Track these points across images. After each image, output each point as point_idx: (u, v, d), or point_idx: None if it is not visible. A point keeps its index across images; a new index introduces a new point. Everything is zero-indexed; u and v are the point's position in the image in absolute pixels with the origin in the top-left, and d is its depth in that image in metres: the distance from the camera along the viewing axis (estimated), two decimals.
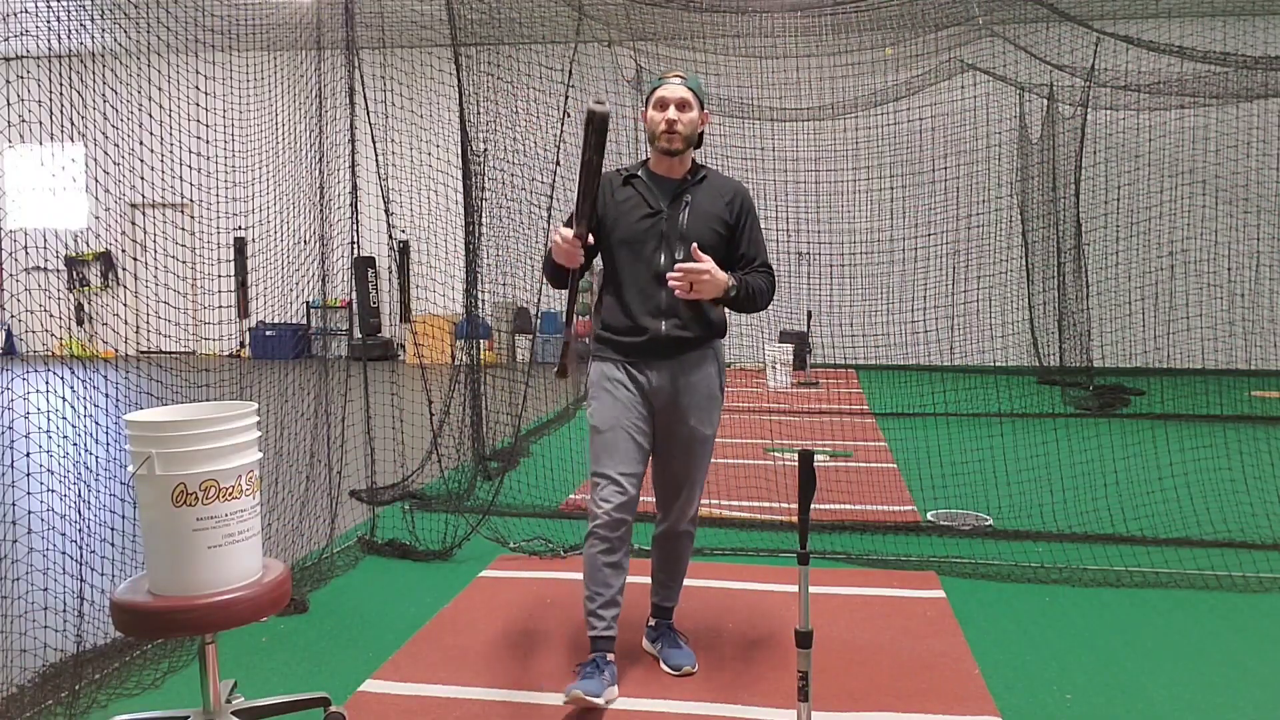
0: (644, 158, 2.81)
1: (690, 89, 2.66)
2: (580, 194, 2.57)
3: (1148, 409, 8.05)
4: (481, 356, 5.44)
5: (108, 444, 6.16)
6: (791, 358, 9.73)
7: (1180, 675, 2.80)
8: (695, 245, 2.58)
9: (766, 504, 4.77)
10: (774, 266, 2.80)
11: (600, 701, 2.52)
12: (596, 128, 2.53)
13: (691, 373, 2.70)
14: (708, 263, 2.53)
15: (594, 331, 2.79)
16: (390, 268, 12.43)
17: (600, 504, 2.60)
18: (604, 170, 2.66)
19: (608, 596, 2.64)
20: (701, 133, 2.74)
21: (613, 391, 2.68)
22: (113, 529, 4.09)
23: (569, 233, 2.56)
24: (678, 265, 2.53)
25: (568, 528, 4.34)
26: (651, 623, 2.97)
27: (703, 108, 2.70)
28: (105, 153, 3.59)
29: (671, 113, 2.63)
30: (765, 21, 9.47)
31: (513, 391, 5.77)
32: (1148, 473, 5.47)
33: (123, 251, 12.92)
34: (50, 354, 12.65)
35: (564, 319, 2.70)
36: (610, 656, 2.67)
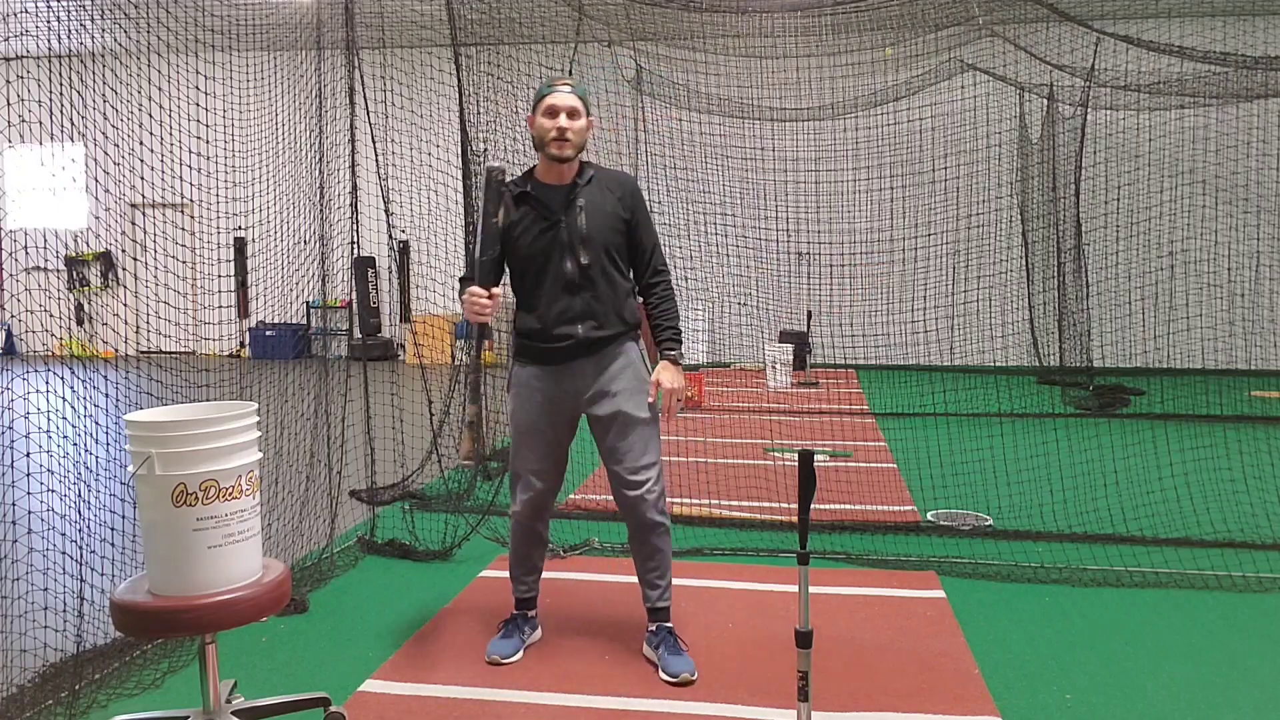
0: (530, 166, 2.88)
1: (579, 96, 2.74)
2: (483, 254, 2.72)
3: (1148, 409, 8.05)
4: (482, 356, 5.43)
5: (108, 444, 6.17)
6: (791, 358, 9.73)
7: (1180, 675, 2.80)
8: (655, 381, 2.79)
9: (766, 504, 4.77)
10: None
11: (515, 659, 2.88)
12: (497, 189, 2.68)
13: (612, 361, 2.82)
14: (664, 383, 2.78)
15: (514, 337, 2.93)
16: (390, 268, 12.43)
17: (517, 500, 2.91)
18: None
19: (528, 565, 3.00)
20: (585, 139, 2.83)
21: (531, 396, 2.85)
22: (113, 529, 4.10)
23: (480, 290, 2.69)
24: (664, 410, 2.80)
25: (567, 527, 4.34)
26: (651, 628, 2.92)
27: (588, 113, 2.79)
28: (105, 153, 3.59)
29: (563, 120, 2.70)
30: (765, 21, 9.48)
31: None
32: (1148, 473, 5.46)
33: (123, 251, 12.92)
34: (50, 354, 12.65)
35: (467, 392, 2.90)
36: (531, 613, 3.04)
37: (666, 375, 2.80)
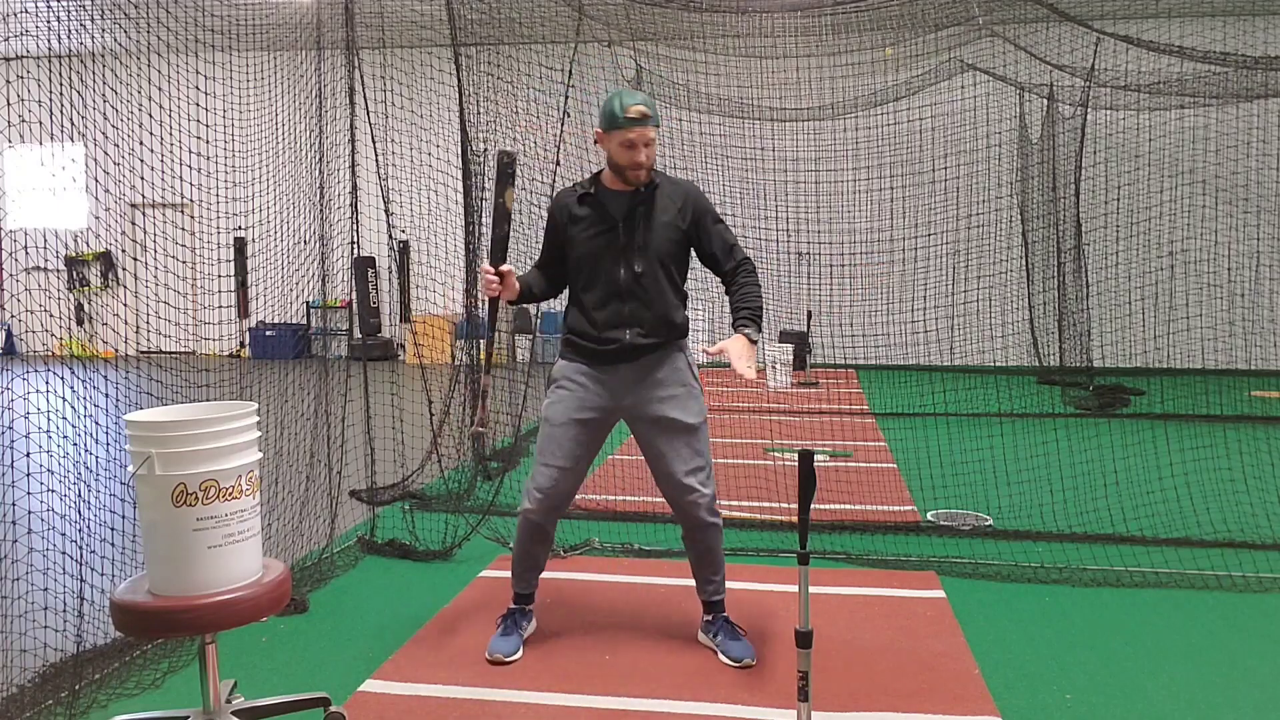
0: (598, 169, 2.90)
1: (654, 124, 2.72)
2: (494, 232, 2.81)
3: (1148, 409, 8.04)
4: (481, 356, 5.43)
5: (108, 444, 6.16)
6: (791, 358, 9.73)
7: (1180, 675, 2.80)
8: (719, 348, 2.67)
9: (766, 504, 4.77)
10: (752, 257, 2.94)
11: (516, 657, 2.88)
12: (505, 171, 2.78)
13: (658, 368, 2.84)
14: (733, 348, 2.66)
15: (562, 333, 2.95)
16: (390, 268, 12.42)
17: (533, 494, 2.87)
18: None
19: (530, 563, 3.00)
20: None
21: (572, 389, 2.86)
22: (113, 529, 4.09)
23: (488, 267, 2.78)
24: (739, 373, 2.65)
25: (568, 528, 4.34)
26: (708, 617, 3.01)
27: (658, 125, 2.78)
28: (105, 153, 3.59)
29: (641, 156, 2.72)
30: (765, 21, 9.47)
31: (513, 391, 5.77)
32: (1148, 473, 5.46)
33: (123, 251, 12.91)
34: (50, 354, 12.64)
35: (483, 364, 3.06)
36: (529, 608, 3.05)
37: (734, 345, 2.68)
